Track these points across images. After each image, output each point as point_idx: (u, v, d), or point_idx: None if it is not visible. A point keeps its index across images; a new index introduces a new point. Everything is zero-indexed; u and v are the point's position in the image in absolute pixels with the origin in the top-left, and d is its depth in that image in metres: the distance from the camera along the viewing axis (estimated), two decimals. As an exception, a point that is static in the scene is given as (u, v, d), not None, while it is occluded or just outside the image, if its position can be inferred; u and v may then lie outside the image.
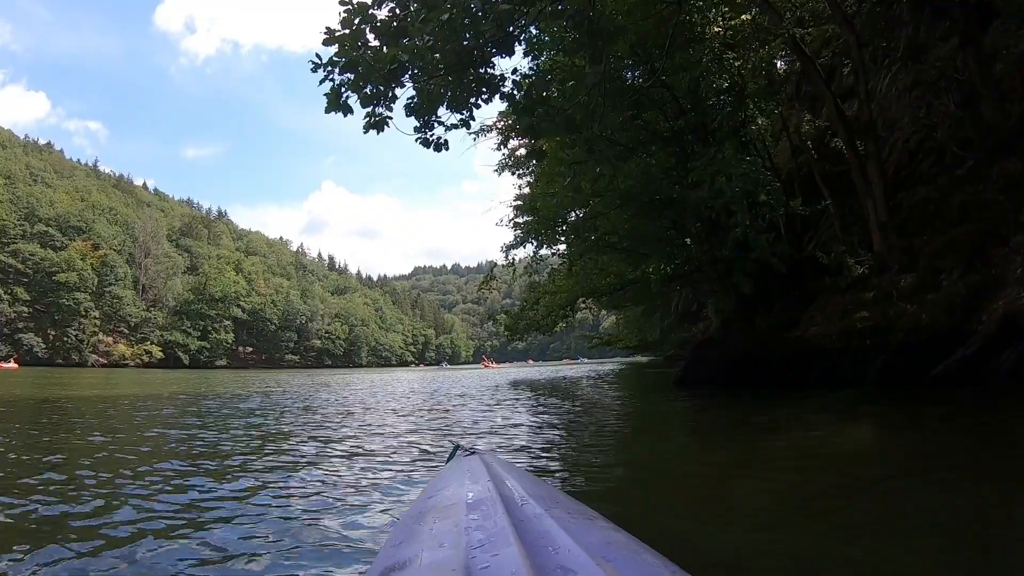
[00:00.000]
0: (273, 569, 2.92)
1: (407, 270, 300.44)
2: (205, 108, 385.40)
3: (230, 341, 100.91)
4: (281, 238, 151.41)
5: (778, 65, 14.88)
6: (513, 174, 25.07)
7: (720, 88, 13.62)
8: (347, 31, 7.11)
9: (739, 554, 3.05)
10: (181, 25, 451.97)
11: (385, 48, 7.30)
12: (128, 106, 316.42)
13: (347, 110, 7.56)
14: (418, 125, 8.00)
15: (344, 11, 7.04)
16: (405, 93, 7.74)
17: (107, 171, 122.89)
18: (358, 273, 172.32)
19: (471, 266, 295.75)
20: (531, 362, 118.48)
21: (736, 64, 13.18)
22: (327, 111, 7.51)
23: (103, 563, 2.96)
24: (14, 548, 3.16)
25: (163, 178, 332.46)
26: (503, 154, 24.02)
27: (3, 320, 75.37)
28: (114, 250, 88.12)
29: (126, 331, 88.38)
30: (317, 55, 7.23)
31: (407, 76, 7.54)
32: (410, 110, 7.82)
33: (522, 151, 22.97)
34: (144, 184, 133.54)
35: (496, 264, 21.48)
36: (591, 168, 12.76)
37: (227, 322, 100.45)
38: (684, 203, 12.67)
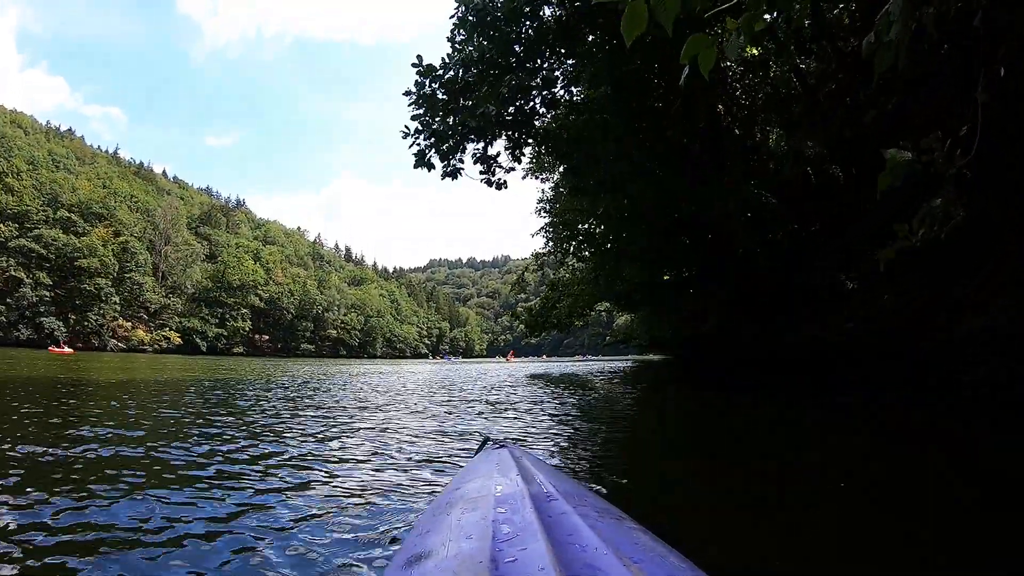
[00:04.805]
0: (297, 554, 2.94)
1: (422, 262, 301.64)
2: (226, 93, 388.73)
3: (247, 329, 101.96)
4: (299, 228, 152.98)
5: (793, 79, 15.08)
6: (537, 178, 25.56)
7: (734, 112, 13.96)
8: (425, 91, 9.83)
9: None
10: (205, 7, 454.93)
11: (451, 102, 9.91)
12: (148, 90, 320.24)
13: (430, 166, 10.43)
14: (482, 170, 11.18)
15: (416, 72, 9.73)
16: (472, 145, 10.83)
17: (127, 158, 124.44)
18: (374, 264, 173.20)
19: (486, 260, 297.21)
20: (545, 357, 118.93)
21: (749, 91, 13.53)
22: (415, 167, 10.31)
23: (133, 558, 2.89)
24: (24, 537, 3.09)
25: (182, 165, 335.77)
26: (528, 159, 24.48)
27: (25, 304, 76.36)
28: (135, 237, 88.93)
29: (145, 317, 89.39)
30: (405, 126, 10.20)
31: (474, 135, 10.32)
32: (476, 159, 10.97)
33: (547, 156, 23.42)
34: (164, 172, 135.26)
35: (527, 267, 23.28)
36: (615, 198, 13.81)
37: (244, 310, 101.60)
38: (696, 219, 13.34)
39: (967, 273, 8.93)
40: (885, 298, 10.29)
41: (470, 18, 9.31)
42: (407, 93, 9.83)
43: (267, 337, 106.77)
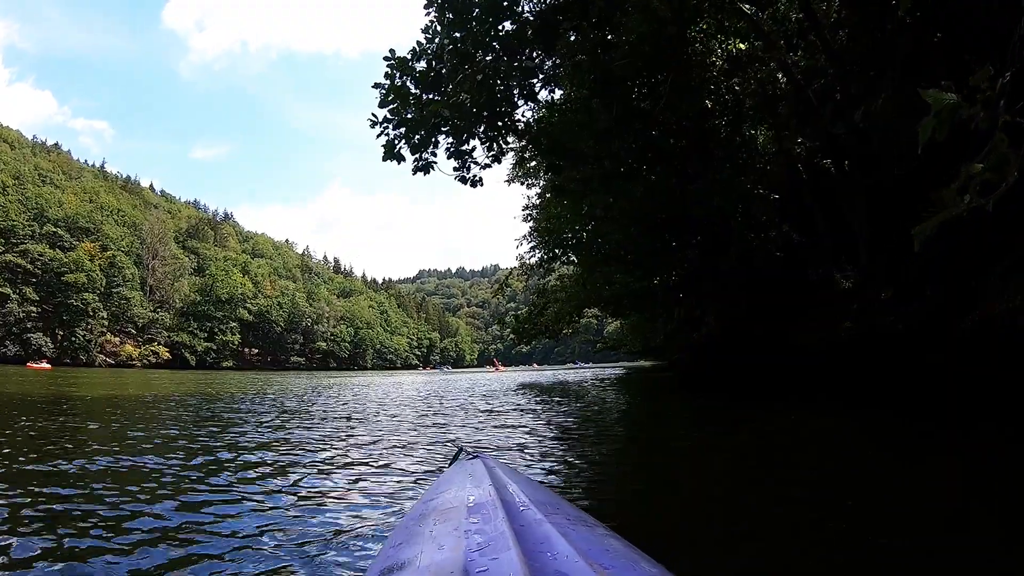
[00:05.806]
0: (272, 567, 2.97)
1: (412, 273, 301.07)
2: (213, 106, 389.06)
3: (236, 342, 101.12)
4: (287, 240, 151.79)
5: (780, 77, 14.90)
6: (522, 184, 25.62)
7: (719, 111, 13.77)
8: (396, 83, 8.95)
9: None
10: (191, 22, 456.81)
11: (423, 95, 9.05)
12: (135, 104, 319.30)
13: (400, 158, 9.32)
14: (456, 166, 9.94)
15: (387, 66, 8.92)
16: (446, 140, 9.65)
17: (114, 172, 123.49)
18: (363, 276, 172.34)
19: (475, 269, 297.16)
20: (535, 366, 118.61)
21: (735, 88, 13.35)
22: (384, 159, 9.31)
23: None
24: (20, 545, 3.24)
25: (169, 179, 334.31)
26: (511, 163, 24.38)
27: (12, 320, 75.54)
28: (122, 251, 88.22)
29: (133, 332, 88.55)
30: (373, 114, 9.17)
31: (448, 127, 9.20)
32: (449, 153, 9.78)
33: (532, 161, 23.26)
34: (151, 185, 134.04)
35: (510, 272, 23.05)
36: (602, 197, 13.51)
37: (233, 324, 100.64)
38: (686, 218, 13.09)
39: (980, 265, 8.63)
40: (883, 296, 10.01)
41: (439, 1, 8.82)
42: (376, 86, 9.06)
43: (256, 350, 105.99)
